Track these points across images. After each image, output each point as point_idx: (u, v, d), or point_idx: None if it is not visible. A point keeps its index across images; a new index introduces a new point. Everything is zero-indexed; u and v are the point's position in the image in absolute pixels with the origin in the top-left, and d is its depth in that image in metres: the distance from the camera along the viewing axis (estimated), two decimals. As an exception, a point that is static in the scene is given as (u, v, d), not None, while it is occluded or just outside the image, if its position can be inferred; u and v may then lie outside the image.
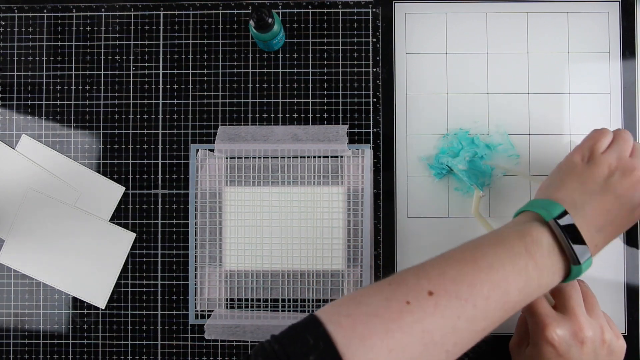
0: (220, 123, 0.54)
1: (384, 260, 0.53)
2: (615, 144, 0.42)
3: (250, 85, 0.54)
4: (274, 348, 0.33)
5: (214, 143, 0.53)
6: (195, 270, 0.53)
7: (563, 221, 0.38)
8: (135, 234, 0.53)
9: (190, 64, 0.54)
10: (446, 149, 0.53)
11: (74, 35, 0.54)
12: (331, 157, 0.53)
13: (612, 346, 0.43)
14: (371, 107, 0.54)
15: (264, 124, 0.54)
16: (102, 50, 0.54)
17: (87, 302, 0.53)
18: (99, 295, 0.53)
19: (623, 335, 0.47)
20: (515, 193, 0.53)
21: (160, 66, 0.54)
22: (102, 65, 0.54)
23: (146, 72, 0.54)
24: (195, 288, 0.53)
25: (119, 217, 0.54)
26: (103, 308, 0.53)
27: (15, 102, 0.54)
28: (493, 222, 0.53)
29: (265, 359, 0.33)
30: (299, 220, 0.53)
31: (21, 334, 0.53)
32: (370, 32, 0.54)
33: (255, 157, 0.53)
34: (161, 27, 0.54)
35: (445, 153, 0.52)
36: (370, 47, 0.54)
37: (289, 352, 0.33)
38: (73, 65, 0.54)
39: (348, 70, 0.54)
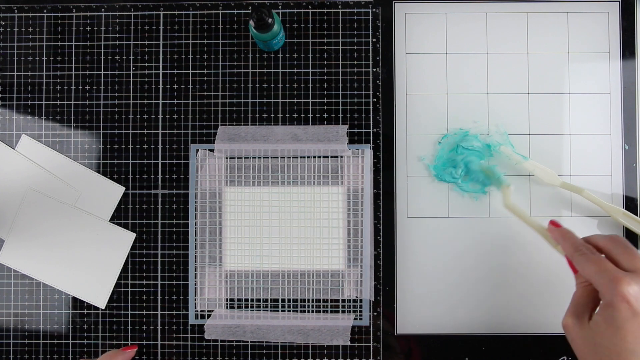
0: (220, 123, 0.54)
1: (384, 260, 0.53)
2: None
3: (250, 85, 0.54)
4: None
5: (214, 143, 0.53)
6: (195, 270, 0.53)
7: None
8: (135, 234, 0.53)
9: (190, 64, 0.54)
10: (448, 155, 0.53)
11: (74, 35, 0.54)
12: (331, 157, 0.53)
13: None
14: (371, 107, 0.54)
15: (264, 124, 0.54)
16: (102, 50, 0.54)
17: (87, 302, 0.53)
18: (99, 295, 0.53)
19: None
20: (515, 192, 0.53)
21: (160, 66, 0.54)
22: (102, 65, 0.54)
23: (146, 72, 0.54)
24: (195, 288, 0.53)
25: (119, 217, 0.54)
26: (103, 308, 0.53)
27: (15, 102, 0.54)
28: (497, 221, 0.53)
29: None
30: (298, 220, 0.53)
31: (21, 334, 0.53)
32: (370, 32, 0.54)
33: (255, 157, 0.53)
34: (161, 27, 0.54)
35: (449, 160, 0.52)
36: (370, 47, 0.54)
37: None
38: (73, 65, 0.54)
39: (348, 70, 0.54)
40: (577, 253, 0.43)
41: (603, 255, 0.43)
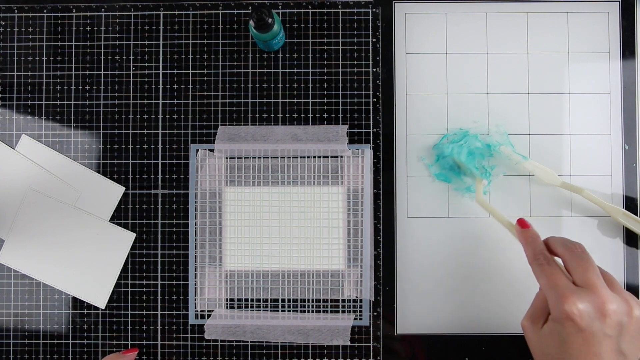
0: (220, 123, 0.54)
1: (384, 260, 0.53)
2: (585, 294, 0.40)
3: (250, 85, 0.54)
4: None
5: (214, 143, 0.53)
6: (195, 270, 0.53)
7: None
8: (135, 234, 0.53)
9: (190, 64, 0.54)
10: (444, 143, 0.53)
11: (74, 35, 0.54)
12: (331, 157, 0.53)
13: None
14: (371, 107, 0.54)
15: (264, 124, 0.54)
16: (102, 50, 0.54)
17: (87, 302, 0.53)
18: (99, 295, 0.53)
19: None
20: (515, 192, 0.53)
21: (160, 66, 0.54)
22: (102, 65, 0.54)
23: (146, 72, 0.54)
24: (195, 288, 0.53)
25: (119, 217, 0.54)
26: (103, 308, 0.53)
27: (15, 102, 0.54)
28: (494, 220, 0.53)
29: None
30: (298, 220, 0.53)
31: (21, 334, 0.53)
32: (370, 32, 0.54)
33: (255, 157, 0.53)
34: (161, 27, 0.54)
35: (442, 145, 0.53)
36: (370, 47, 0.54)
37: None
38: (73, 65, 0.54)
39: (348, 70, 0.54)
40: (535, 262, 0.43)
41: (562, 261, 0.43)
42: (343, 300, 0.53)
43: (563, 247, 0.43)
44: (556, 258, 0.44)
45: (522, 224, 0.47)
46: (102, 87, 0.54)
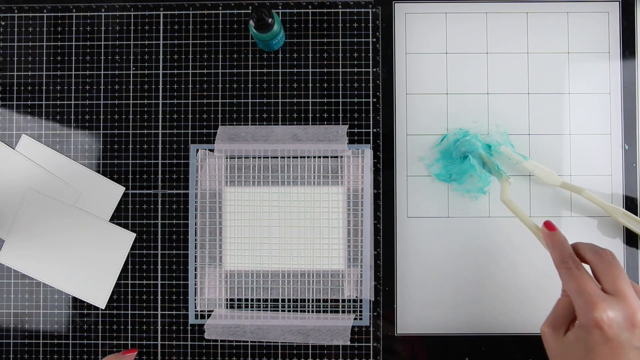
0: (220, 123, 0.54)
1: (384, 260, 0.53)
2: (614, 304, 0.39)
3: (250, 85, 0.54)
4: None
5: (214, 143, 0.53)
6: (195, 270, 0.53)
7: None
8: (135, 234, 0.53)
9: (190, 64, 0.54)
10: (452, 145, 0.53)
11: (74, 35, 0.54)
12: (331, 157, 0.53)
13: None
14: (371, 107, 0.54)
15: (264, 124, 0.54)
16: (102, 50, 0.54)
17: (87, 302, 0.53)
18: (99, 295, 0.53)
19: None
20: (515, 192, 0.53)
21: (160, 66, 0.54)
22: (102, 65, 0.54)
23: (146, 72, 0.54)
24: (195, 288, 0.53)
25: (119, 217, 0.54)
26: (103, 308, 0.53)
27: (15, 102, 0.54)
28: (498, 221, 0.53)
29: None
30: (298, 220, 0.53)
31: (21, 334, 0.53)
32: (370, 32, 0.54)
33: (255, 157, 0.53)
34: (161, 27, 0.54)
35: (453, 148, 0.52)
36: (370, 47, 0.54)
37: None
38: (73, 65, 0.54)
39: (348, 70, 0.54)
40: (563, 265, 0.42)
41: (589, 267, 0.42)
42: (343, 300, 0.53)
43: (592, 253, 0.42)
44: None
45: (549, 226, 0.45)
46: (102, 87, 0.54)
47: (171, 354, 0.53)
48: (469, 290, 0.53)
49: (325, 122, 0.54)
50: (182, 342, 0.53)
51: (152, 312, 0.53)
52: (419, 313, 0.53)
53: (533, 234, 0.47)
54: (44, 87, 0.54)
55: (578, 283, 0.40)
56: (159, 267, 0.53)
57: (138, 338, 0.53)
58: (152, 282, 0.53)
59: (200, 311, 0.53)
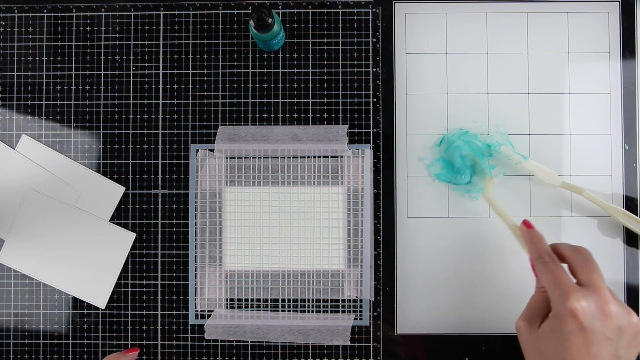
0: (220, 123, 0.54)
1: (384, 260, 0.53)
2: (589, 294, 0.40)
3: (250, 85, 0.54)
4: None
5: (214, 143, 0.53)
6: (195, 270, 0.53)
7: None
8: (135, 234, 0.53)
9: (190, 64, 0.54)
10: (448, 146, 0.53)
11: (74, 35, 0.54)
12: (331, 157, 0.53)
13: None
14: (371, 107, 0.54)
15: (264, 124, 0.54)
16: (102, 50, 0.54)
17: (87, 302, 0.53)
18: (99, 295, 0.53)
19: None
20: (515, 192, 0.53)
21: (160, 66, 0.54)
22: (102, 65, 0.54)
23: (146, 72, 0.54)
24: (195, 288, 0.53)
25: (119, 217, 0.54)
26: (103, 308, 0.53)
27: (15, 102, 0.54)
28: (498, 221, 0.53)
29: None
30: (298, 220, 0.53)
31: (21, 334, 0.53)
32: (370, 32, 0.54)
33: (255, 157, 0.53)
34: (161, 27, 0.54)
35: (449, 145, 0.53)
36: (370, 47, 0.54)
37: None
38: (73, 65, 0.54)
39: (348, 70, 0.54)
40: (539, 260, 0.43)
41: (566, 265, 0.43)
42: (343, 300, 0.53)
43: (569, 249, 0.44)
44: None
45: (527, 224, 0.47)
46: (102, 87, 0.54)
47: (171, 354, 0.53)
48: (469, 290, 0.53)
49: (325, 122, 0.54)
50: (182, 342, 0.53)
51: (152, 312, 0.53)
52: (419, 313, 0.53)
53: (512, 232, 0.49)
54: (44, 87, 0.54)
55: (554, 275, 0.41)
56: (159, 267, 0.53)
57: (138, 338, 0.53)
58: (152, 282, 0.53)
59: (200, 311, 0.53)
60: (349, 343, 0.52)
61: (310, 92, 0.54)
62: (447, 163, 0.53)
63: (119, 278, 0.53)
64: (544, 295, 0.43)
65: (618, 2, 0.54)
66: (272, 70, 0.54)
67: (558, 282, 0.41)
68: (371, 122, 0.54)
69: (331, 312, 0.53)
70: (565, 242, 0.45)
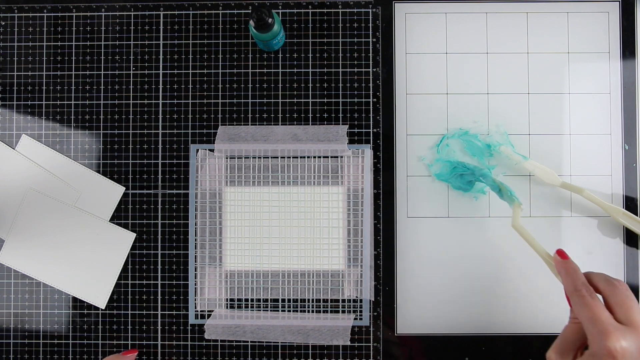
0: (220, 123, 0.54)
1: (384, 260, 0.53)
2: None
3: (250, 85, 0.54)
4: None
5: (214, 143, 0.53)
6: (195, 270, 0.53)
7: None
8: (135, 234, 0.53)
9: (190, 64, 0.54)
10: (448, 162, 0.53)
11: (74, 35, 0.54)
12: (331, 157, 0.53)
13: None
14: (371, 107, 0.54)
15: (264, 124, 0.54)
16: (102, 50, 0.54)
17: (87, 302, 0.53)
18: (99, 295, 0.53)
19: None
20: (516, 192, 0.53)
21: (160, 66, 0.54)
22: (102, 65, 0.54)
23: (146, 72, 0.54)
24: (195, 288, 0.53)
25: (119, 217, 0.54)
26: (103, 308, 0.53)
27: (15, 102, 0.54)
28: (497, 221, 0.53)
29: None
30: (298, 220, 0.53)
31: (21, 334, 0.53)
32: (370, 32, 0.54)
33: (255, 157, 0.53)
34: (161, 27, 0.54)
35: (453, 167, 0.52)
36: (370, 47, 0.54)
37: None
38: (73, 65, 0.54)
39: (348, 70, 0.54)
40: (576, 293, 0.42)
41: (601, 297, 0.42)
42: (343, 300, 0.53)
43: (605, 283, 0.42)
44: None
45: (561, 255, 0.45)
46: (102, 87, 0.54)
47: (171, 354, 0.53)
48: (469, 290, 0.53)
49: (325, 122, 0.54)
50: (182, 342, 0.53)
51: (152, 312, 0.53)
52: (419, 313, 0.53)
53: (544, 261, 0.47)
54: (44, 87, 0.54)
55: (592, 311, 0.40)
56: (159, 267, 0.53)
57: (138, 338, 0.53)
58: (152, 282, 0.53)
59: (200, 311, 0.53)
60: (349, 343, 0.52)
61: (310, 92, 0.54)
62: (448, 164, 0.53)
63: (119, 278, 0.53)
64: (578, 327, 0.41)
65: (618, 2, 0.54)
66: (272, 70, 0.54)
67: (596, 319, 0.39)
68: (371, 122, 0.54)
69: (331, 312, 0.53)
70: (601, 273, 0.43)
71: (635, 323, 0.39)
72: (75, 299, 0.53)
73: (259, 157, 0.53)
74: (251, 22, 0.47)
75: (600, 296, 0.42)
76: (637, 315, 0.40)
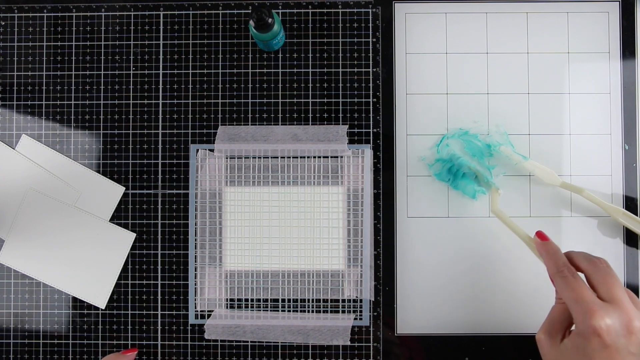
0: (220, 123, 0.54)
1: (384, 260, 0.53)
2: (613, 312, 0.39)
3: (250, 85, 0.54)
4: None
5: (214, 143, 0.53)
6: (195, 270, 0.53)
7: None
8: (135, 234, 0.53)
9: (190, 64, 0.54)
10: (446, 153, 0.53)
11: (74, 35, 0.54)
12: (331, 157, 0.53)
13: None
14: (371, 107, 0.54)
15: (264, 124, 0.54)
16: (102, 50, 0.54)
17: (87, 302, 0.53)
18: (99, 295, 0.53)
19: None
20: (515, 192, 0.53)
21: (160, 66, 0.54)
22: (102, 65, 0.54)
23: (146, 72, 0.54)
24: (195, 288, 0.53)
25: (119, 217, 0.54)
26: (103, 308, 0.53)
27: (15, 102, 0.54)
28: (497, 221, 0.53)
29: None
30: (298, 220, 0.53)
31: (21, 334, 0.53)
32: (370, 32, 0.54)
33: (255, 157, 0.53)
34: (161, 27, 0.54)
35: (445, 157, 0.52)
36: (370, 47, 0.54)
37: None
38: (73, 65, 0.54)
39: (348, 70, 0.54)
40: (559, 274, 0.42)
41: (584, 275, 0.42)
42: (343, 300, 0.53)
43: (587, 262, 0.42)
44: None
45: (541, 236, 0.46)
46: (102, 87, 0.54)
47: (171, 354, 0.53)
48: (469, 290, 0.53)
49: (325, 122, 0.54)
50: (182, 342, 0.53)
51: (152, 312, 0.53)
52: (419, 313, 0.53)
53: (525, 244, 0.48)
54: (44, 87, 0.54)
55: (575, 291, 0.40)
56: (159, 267, 0.53)
57: (138, 338, 0.53)
58: (152, 282, 0.53)
59: (200, 311, 0.53)
60: (349, 343, 0.52)
61: (310, 92, 0.54)
62: (447, 163, 0.53)
63: (119, 278, 0.53)
64: (564, 307, 0.42)
65: (618, 2, 0.54)
66: (272, 70, 0.54)
67: (580, 298, 0.40)
68: (371, 122, 0.54)
69: (331, 312, 0.53)
70: (581, 252, 0.44)
71: (617, 299, 0.40)
72: (75, 299, 0.53)
73: (259, 157, 0.53)
74: (251, 22, 0.47)
75: (582, 275, 0.42)
76: (619, 292, 0.40)
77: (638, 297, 0.52)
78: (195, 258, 0.53)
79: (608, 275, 0.41)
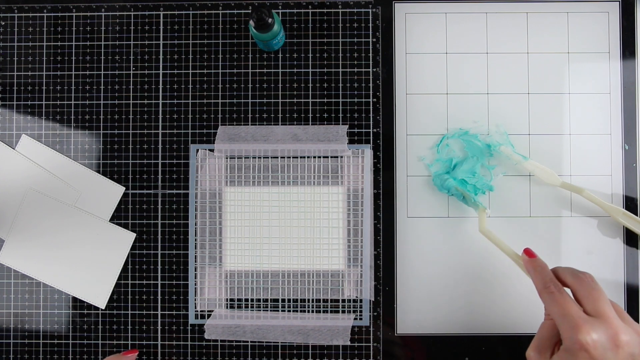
0: (220, 123, 0.54)
1: (384, 260, 0.53)
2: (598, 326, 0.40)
3: (250, 85, 0.54)
4: None
5: (214, 143, 0.53)
6: (195, 270, 0.53)
7: None
8: (135, 234, 0.53)
9: (190, 64, 0.54)
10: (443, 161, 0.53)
11: (74, 35, 0.54)
12: (331, 157, 0.53)
13: None
14: (371, 107, 0.54)
15: (264, 124, 0.54)
16: (102, 50, 0.54)
17: (87, 302, 0.53)
18: (99, 295, 0.53)
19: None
20: (515, 192, 0.53)
21: (160, 66, 0.54)
22: (102, 65, 0.54)
23: (146, 72, 0.54)
24: (195, 288, 0.53)
25: (119, 217, 0.54)
26: (103, 308, 0.53)
27: (15, 102, 0.54)
28: (497, 221, 0.53)
29: None
30: (298, 220, 0.53)
31: (21, 334, 0.53)
32: (370, 32, 0.54)
33: (255, 157, 0.53)
34: (161, 27, 0.54)
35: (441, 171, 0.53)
36: (370, 47, 0.54)
37: None
38: (73, 65, 0.54)
39: (348, 70, 0.54)
40: (545, 291, 0.43)
41: (570, 291, 0.43)
42: (343, 300, 0.53)
43: (572, 277, 0.43)
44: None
45: (528, 253, 0.46)
46: (102, 87, 0.54)
47: (171, 354, 0.53)
48: (469, 290, 0.53)
49: (325, 122, 0.54)
50: (182, 342, 0.53)
51: (152, 312, 0.53)
52: (419, 313, 0.53)
53: (513, 261, 0.48)
54: (44, 87, 0.54)
55: (561, 307, 0.41)
56: (159, 267, 0.53)
57: (138, 338, 0.53)
58: (152, 282, 0.53)
59: (200, 311, 0.53)
60: (349, 343, 0.52)
61: (310, 92, 0.54)
62: (447, 162, 0.53)
63: (119, 278, 0.53)
64: (552, 323, 0.42)
65: (618, 2, 0.54)
66: (272, 70, 0.54)
67: (566, 314, 0.40)
68: (371, 122, 0.54)
69: (331, 312, 0.53)
70: (567, 267, 0.44)
71: (603, 314, 0.40)
72: (75, 299, 0.53)
73: (259, 157, 0.53)
74: (251, 22, 0.47)
75: (569, 290, 0.43)
76: (604, 306, 0.40)
77: (638, 297, 0.52)
78: (195, 258, 0.53)
79: (593, 290, 0.41)
